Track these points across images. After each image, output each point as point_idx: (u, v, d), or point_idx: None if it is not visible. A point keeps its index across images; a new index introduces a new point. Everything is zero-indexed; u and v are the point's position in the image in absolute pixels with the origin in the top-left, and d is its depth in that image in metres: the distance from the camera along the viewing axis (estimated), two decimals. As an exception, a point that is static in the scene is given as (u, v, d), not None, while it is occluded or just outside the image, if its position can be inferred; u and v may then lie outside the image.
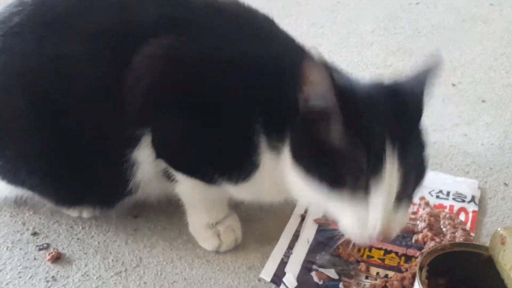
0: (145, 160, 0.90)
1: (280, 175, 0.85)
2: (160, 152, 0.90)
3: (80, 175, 0.93)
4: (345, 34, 1.62)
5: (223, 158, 0.88)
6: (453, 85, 1.43)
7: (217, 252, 0.99)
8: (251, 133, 0.84)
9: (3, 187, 0.99)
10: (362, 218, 0.78)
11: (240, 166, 0.87)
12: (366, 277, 0.95)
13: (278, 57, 0.87)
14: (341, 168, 0.77)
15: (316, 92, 0.76)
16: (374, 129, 0.76)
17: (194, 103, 0.86)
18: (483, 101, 1.38)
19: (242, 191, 0.91)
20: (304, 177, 0.80)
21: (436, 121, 1.28)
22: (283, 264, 0.96)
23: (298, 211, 1.05)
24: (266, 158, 0.85)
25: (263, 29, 0.93)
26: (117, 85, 0.86)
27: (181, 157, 0.91)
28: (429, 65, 0.83)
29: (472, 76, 1.46)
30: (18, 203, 1.05)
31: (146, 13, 0.89)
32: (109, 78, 0.87)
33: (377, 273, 0.96)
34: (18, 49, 0.89)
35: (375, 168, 0.76)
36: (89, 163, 0.92)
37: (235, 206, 1.03)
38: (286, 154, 0.82)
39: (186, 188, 0.94)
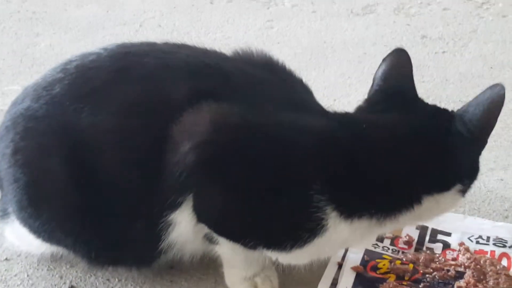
0: (183, 222, 0.90)
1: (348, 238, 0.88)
2: (202, 218, 0.90)
3: (114, 237, 0.94)
4: (373, 84, 1.63)
5: (276, 229, 0.88)
6: (486, 130, 1.42)
7: (254, 302, 0.98)
8: (314, 207, 0.85)
9: (39, 244, 1.01)
10: None
11: (296, 236, 0.87)
12: (409, 326, 0.92)
13: (328, 128, 0.89)
14: None
15: None
16: None
17: (249, 172, 0.86)
18: (517, 145, 1.37)
19: (288, 257, 0.91)
20: None
21: (471, 166, 1.26)
22: (322, 313, 0.94)
23: (334, 259, 1.04)
24: (332, 227, 0.87)
25: (298, 94, 0.96)
26: (152, 155, 0.88)
27: (226, 225, 0.90)
28: None
29: (504, 121, 1.45)
30: (55, 257, 1.06)
31: (178, 85, 0.91)
32: (143, 148, 0.89)
33: (420, 321, 0.93)
34: (58, 118, 0.93)
35: None
36: (123, 226, 0.93)
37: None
38: None
39: (227, 249, 0.94)
